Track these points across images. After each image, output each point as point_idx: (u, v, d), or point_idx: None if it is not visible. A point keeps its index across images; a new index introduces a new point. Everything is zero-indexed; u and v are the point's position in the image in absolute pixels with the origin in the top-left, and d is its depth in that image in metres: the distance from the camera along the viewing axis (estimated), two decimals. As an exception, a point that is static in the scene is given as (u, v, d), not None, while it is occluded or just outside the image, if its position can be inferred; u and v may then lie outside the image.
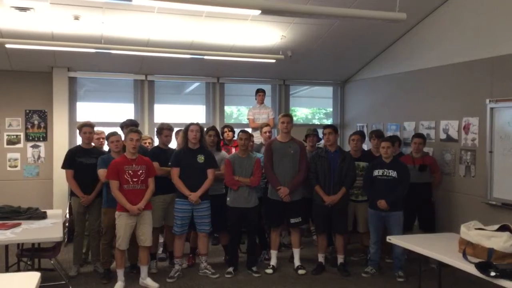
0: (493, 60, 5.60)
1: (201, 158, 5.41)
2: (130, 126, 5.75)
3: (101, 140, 6.16)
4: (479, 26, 5.84)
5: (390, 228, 5.40)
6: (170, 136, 5.74)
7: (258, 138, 6.98)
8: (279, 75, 8.75)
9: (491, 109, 5.55)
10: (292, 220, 5.64)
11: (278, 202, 5.59)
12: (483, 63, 5.74)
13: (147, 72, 8.05)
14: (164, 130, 5.68)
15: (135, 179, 5.00)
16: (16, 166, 7.53)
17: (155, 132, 6.07)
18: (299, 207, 5.66)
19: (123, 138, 5.53)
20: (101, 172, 5.24)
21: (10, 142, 7.51)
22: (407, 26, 6.89)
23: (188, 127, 5.44)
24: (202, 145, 5.51)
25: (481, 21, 5.81)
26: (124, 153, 5.12)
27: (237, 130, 6.46)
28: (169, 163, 5.41)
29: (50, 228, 4.78)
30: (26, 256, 5.08)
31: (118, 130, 5.79)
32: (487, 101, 5.58)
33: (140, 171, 5.04)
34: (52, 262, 5.03)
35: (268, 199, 5.73)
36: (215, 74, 8.37)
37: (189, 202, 5.31)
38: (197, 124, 5.47)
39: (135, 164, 5.03)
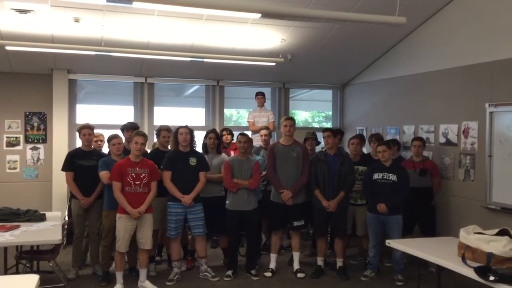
0: (492, 64, 5.61)
1: (193, 161, 5.41)
2: (130, 129, 5.78)
3: (99, 142, 6.16)
4: (478, 31, 5.85)
5: (389, 231, 5.40)
6: (168, 137, 5.73)
7: (258, 141, 6.99)
8: (279, 78, 8.77)
9: (491, 113, 5.55)
10: (295, 223, 5.64)
11: (280, 205, 5.58)
12: (483, 68, 5.74)
13: (147, 75, 8.06)
14: (162, 131, 5.69)
15: (137, 182, 4.99)
16: (15, 168, 7.53)
17: (155, 134, 6.07)
18: (302, 210, 5.66)
19: (123, 141, 5.55)
20: (103, 174, 5.24)
21: (10, 144, 7.51)
22: (407, 30, 6.90)
23: (177, 130, 5.44)
24: (193, 148, 5.52)
25: (481, 25, 5.82)
26: (128, 156, 5.12)
27: (236, 133, 6.46)
28: (161, 166, 5.40)
29: (49, 230, 4.76)
30: (25, 259, 5.07)
31: (118, 133, 5.78)
32: (487, 105, 5.59)
33: (143, 174, 5.03)
34: (51, 264, 5.02)
35: (271, 202, 5.73)
36: (215, 77, 8.38)
37: (182, 205, 5.30)
38: (186, 126, 5.47)
39: (139, 167, 5.03)
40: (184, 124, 5.53)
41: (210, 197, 5.56)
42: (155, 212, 5.30)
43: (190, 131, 5.45)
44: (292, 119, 5.83)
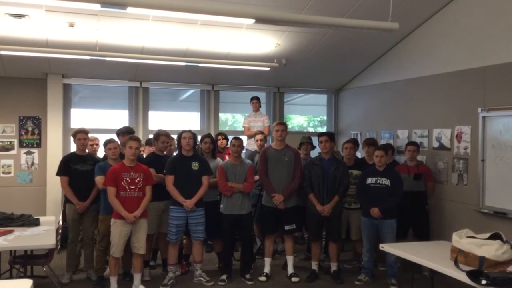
0: (485, 69, 5.66)
1: (195, 165, 5.42)
2: (126, 133, 5.77)
3: (95, 146, 6.15)
4: (471, 36, 5.90)
5: (383, 236, 5.42)
6: (167, 142, 5.73)
7: (253, 145, 7.01)
8: (273, 83, 8.79)
9: (483, 118, 5.59)
10: (287, 227, 5.65)
11: (272, 209, 5.60)
12: (475, 73, 5.79)
13: (142, 79, 8.06)
14: (161, 136, 5.67)
15: (132, 187, 4.99)
16: (9, 173, 7.50)
17: (152, 138, 6.02)
18: (294, 214, 5.68)
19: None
20: (99, 179, 5.24)
21: (4, 148, 7.48)
22: (400, 36, 6.95)
23: (180, 134, 5.45)
24: (196, 152, 5.53)
25: (473, 31, 5.87)
26: (122, 160, 5.12)
27: (230, 138, 6.46)
28: (164, 171, 5.40)
29: (43, 235, 4.76)
30: (19, 263, 5.05)
31: (113, 137, 5.78)
32: (479, 110, 5.63)
33: (138, 179, 5.03)
34: (44, 269, 5.02)
35: (263, 206, 5.74)
36: (209, 81, 8.40)
37: (184, 210, 5.31)
38: (190, 131, 5.48)
39: (133, 172, 5.02)
40: (187, 129, 5.53)
41: (205, 201, 5.55)
42: (150, 217, 5.31)
43: (193, 135, 5.46)
44: (283, 124, 5.86)
